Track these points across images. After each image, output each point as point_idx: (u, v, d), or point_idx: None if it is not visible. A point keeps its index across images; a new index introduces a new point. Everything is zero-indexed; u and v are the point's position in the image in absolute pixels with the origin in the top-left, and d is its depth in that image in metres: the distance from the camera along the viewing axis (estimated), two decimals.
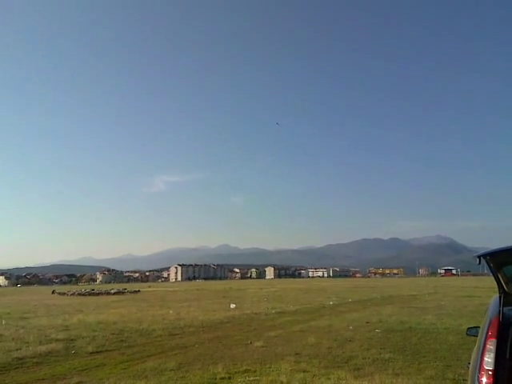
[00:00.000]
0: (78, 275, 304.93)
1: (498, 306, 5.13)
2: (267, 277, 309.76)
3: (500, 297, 5.42)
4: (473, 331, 6.42)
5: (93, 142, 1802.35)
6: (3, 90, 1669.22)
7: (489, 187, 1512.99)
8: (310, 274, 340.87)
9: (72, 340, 17.41)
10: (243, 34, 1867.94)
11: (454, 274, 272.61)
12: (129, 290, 76.89)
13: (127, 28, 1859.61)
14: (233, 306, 32.68)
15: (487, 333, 4.69)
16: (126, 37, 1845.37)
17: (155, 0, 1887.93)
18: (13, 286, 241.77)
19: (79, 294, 69.19)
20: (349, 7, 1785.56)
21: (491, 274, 5.41)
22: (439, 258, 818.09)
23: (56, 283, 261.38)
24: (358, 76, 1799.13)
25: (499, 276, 5.46)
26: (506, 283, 5.61)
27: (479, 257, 5.00)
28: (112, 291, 71.51)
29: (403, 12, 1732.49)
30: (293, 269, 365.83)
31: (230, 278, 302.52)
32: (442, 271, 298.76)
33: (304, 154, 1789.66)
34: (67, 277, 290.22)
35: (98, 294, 67.62)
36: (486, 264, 5.06)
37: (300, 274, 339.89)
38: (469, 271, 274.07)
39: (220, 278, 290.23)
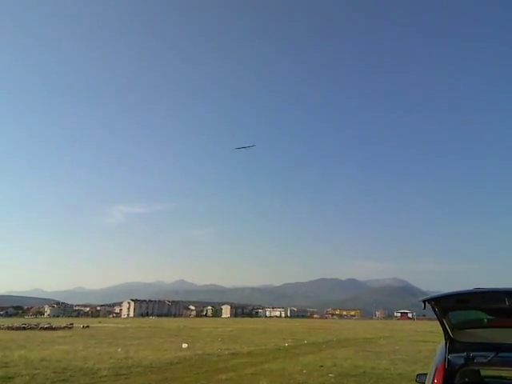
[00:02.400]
0: (25, 307, 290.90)
1: (443, 352, 5.09)
2: (223, 315, 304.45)
3: (446, 343, 5.35)
4: (422, 378, 6.16)
5: (45, 166, 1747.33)
6: None
7: (443, 231, 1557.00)
8: (268, 313, 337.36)
9: (9, 378, 16.31)
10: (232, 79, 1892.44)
11: (409, 318, 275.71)
12: (78, 324, 73.57)
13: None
14: (185, 345, 31.65)
15: (433, 380, 4.69)
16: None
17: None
18: None
19: (17, 328, 65.44)
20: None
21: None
22: (395, 300, 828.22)
23: (1, 315, 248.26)
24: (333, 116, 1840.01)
25: (444, 322, 5.37)
26: (452, 329, 5.50)
27: (424, 301, 4.96)
28: (59, 326, 68.25)
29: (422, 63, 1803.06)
30: (250, 307, 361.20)
31: (185, 316, 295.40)
32: (398, 314, 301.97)
33: (267, 190, 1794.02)
34: (13, 309, 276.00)
35: (47, 329, 64.23)
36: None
37: (257, 313, 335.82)
38: (424, 315, 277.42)
39: (175, 315, 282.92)
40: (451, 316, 5.36)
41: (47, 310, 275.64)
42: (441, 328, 5.48)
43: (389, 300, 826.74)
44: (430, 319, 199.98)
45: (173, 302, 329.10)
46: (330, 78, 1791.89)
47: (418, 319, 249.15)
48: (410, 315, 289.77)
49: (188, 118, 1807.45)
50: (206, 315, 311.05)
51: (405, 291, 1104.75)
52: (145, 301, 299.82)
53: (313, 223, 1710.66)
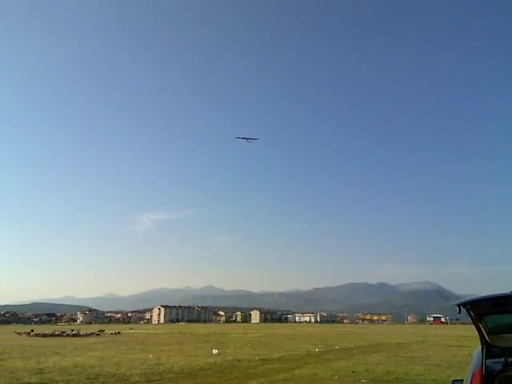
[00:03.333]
0: (59, 315, 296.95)
1: (480, 358, 4.90)
2: (253, 321, 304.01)
3: (482, 348, 5.15)
4: None
5: (76, 178, 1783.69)
6: None
7: (476, 233, 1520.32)
8: (297, 318, 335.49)
9: None
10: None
11: (442, 322, 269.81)
12: (109, 331, 74.52)
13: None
14: (215, 351, 31.70)
15: None
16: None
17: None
18: None
19: (53, 335, 66.77)
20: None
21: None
22: (427, 304, 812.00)
23: (35, 322, 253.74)
24: (356, 122, 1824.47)
25: (480, 326, 5.19)
26: (488, 334, 5.31)
27: (459, 305, 4.70)
28: (85, 333, 69.26)
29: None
30: (279, 313, 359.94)
31: (214, 322, 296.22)
32: (431, 319, 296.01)
33: (294, 197, 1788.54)
34: (47, 316, 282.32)
35: (75, 336, 65.26)
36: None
37: (286, 318, 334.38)
38: (458, 319, 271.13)
39: (204, 321, 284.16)
40: (487, 320, 5.17)
41: (80, 316, 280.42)
42: (476, 332, 5.30)
43: (421, 304, 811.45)
44: (464, 323, 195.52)
45: (202, 307, 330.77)
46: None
47: (451, 323, 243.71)
48: (443, 319, 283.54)
49: (213, 126, 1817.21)
50: (235, 321, 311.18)
51: (437, 295, 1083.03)
52: (174, 307, 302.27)
53: (341, 226, 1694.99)
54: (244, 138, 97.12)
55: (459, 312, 4.76)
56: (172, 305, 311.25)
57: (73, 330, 73.90)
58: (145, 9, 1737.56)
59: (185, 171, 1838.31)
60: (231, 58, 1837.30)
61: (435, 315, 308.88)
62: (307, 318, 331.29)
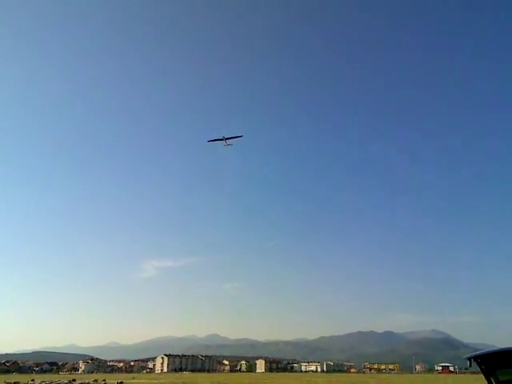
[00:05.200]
0: (60, 363, 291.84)
1: None
2: (258, 370, 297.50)
3: None
4: None
5: (79, 225, 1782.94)
6: None
7: (483, 282, 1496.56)
8: (303, 367, 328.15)
9: None
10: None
11: (451, 372, 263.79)
12: (109, 381, 74.16)
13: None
14: None
15: None
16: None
17: None
18: None
19: None
20: None
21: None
22: (435, 353, 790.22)
23: (36, 371, 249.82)
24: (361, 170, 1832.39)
25: (492, 380, 5.03)
26: None
27: (470, 359, 4.47)
28: (85, 382, 69.16)
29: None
30: (285, 362, 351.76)
31: (219, 371, 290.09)
32: (439, 368, 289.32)
33: (300, 243, 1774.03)
34: (48, 365, 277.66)
35: None
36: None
37: (292, 367, 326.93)
38: (467, 369, 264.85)
39: (208, 371, 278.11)
40: (500, 374, 4.97)
41: (82, 365, 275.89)
42: None
43: (428, 353, 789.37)
44: (473, 373, 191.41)
45: (206, 356, 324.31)
46: None
47: (460, 373, 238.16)
48: (451, 368, 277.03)
49: (212, 174, 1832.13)
50: (239, 370, 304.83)
51: (445, 343, 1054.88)
52: (178, 356, 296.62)
53: (347, 275, 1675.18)
54: (222, 139, 78.09)
55: (470, 366, 4.59)
56: (176, 354, 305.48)
57: (74, 380, 73.48)
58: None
59: (190, 218, 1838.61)
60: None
61: (443, 364, 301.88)
62: (313, 368, 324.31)
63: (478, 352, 4.17)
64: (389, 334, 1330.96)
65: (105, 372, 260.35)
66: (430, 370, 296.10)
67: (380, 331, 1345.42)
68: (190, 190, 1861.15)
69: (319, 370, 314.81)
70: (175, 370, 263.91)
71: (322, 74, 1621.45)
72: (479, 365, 4.63)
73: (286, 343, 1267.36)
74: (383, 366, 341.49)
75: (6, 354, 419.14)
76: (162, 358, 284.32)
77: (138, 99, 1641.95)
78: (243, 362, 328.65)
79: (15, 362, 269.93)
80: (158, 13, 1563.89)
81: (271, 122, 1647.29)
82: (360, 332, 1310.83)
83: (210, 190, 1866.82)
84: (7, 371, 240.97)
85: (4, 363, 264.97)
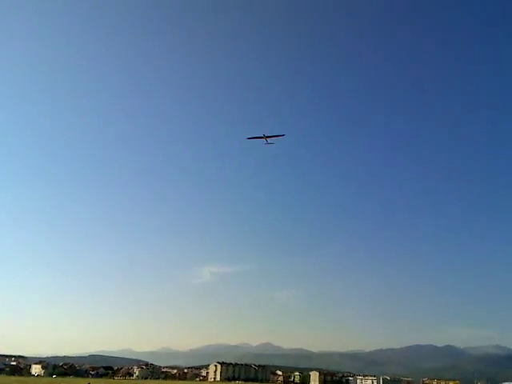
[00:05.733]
0: (115, 368, 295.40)
1: None
2: (311, 382, 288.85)
3: None
4: None
5: (138, 226, 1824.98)
6: None
7: None
8: (358, 381, 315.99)
9: None
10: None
11: None
12: None
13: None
14: None
15: None
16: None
17: None
18: (48, 375, 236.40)
19: None
20: None
21: None
22: (499, 370, 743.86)
23: (92, 375, 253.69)
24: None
25: None
26: None
27: None
28: None
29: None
30: (340, 375, 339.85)
31: (272, 381, 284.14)
32: None
33: (359, 251, 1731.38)
34: (104, 369, 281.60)
35: None
36: None
37: (347, 381, 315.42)
38: None
39: (261, 380, 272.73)
40: None
41: (136, 371, 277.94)
42: None
43: (492, 370, 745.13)
44: None
45: (259, 366, 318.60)
46: None
47: None
48: None
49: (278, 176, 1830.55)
50: (293, 381, 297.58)
51: (509, 360, 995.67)
52: (231, 364, 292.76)
53: (406, 285, 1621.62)
54: (262, 137, 74.78)
55: None
56: (229, 362, 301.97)
57: None
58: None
59: (247, 222, 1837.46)
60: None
61: (508, 383, 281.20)
62: (369, 382, 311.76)
63: None
64: (449, 349, 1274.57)
65: (158, 378, 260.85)
66: None
67: (440, 345, 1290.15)
68: (245, 196, 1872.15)
69: None
70: (228, 379, 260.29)
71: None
72: None
73: (341, 355, 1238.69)
74: (443, 382, 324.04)
75: (64, 356, 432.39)
76: (215, 365, 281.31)
77: (171, 101, 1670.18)
78: (297, 373, 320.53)
79: (72, 366, 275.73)
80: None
81: (313, 122, 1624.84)
82: (419, 345, 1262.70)
83: (264, 196, 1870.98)
84: (65, 374, 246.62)
85: (62, 366, 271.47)
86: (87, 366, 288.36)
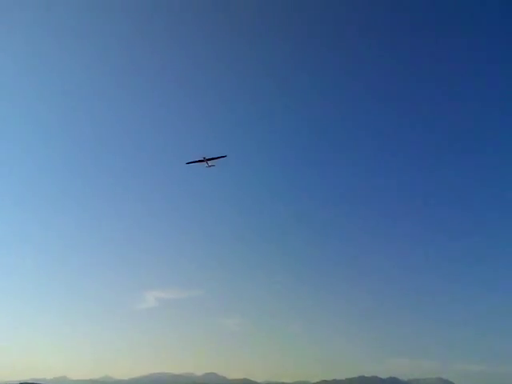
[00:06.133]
0: None
1: None
2: None
3: None
4: None
5: (79, 248, 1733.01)
6: None
7: (490, 329, 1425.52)
8: None
9: None
10: None
11: None
12: None
13: None
14: None
15: None
16: None
17: None
18: None
19: None
20: None
21: None
22: None
23: None
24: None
25: None
26: None
27: None
28: None
29: None
30: None
31: None
32: None
33: (306, 281, 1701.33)
34: None
35: None
36: None
37: None
38: None
39: None
40: None
41: None
42: None
43: None
44: None
45: None
46: None
47: None
48: None
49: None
50: None
51: None
52: None
53: (352, 315, 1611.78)
54: (203, 160, 71.18)
55: None
56: None
57: None
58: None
59: (194, 247, 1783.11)
60: None
61: None
62: None
63: None
64: (393, 381, 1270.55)
65: None
66: None
67: (384, 377, 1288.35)
68: (192, 220, 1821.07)
69: None
70: None
71: None
72: None
73: None
74: None
75: None
76: None
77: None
78: None
79: None
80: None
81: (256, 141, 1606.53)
82: (363, 377, 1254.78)
83: (211, 220, 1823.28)
84: None
85: None
86: None
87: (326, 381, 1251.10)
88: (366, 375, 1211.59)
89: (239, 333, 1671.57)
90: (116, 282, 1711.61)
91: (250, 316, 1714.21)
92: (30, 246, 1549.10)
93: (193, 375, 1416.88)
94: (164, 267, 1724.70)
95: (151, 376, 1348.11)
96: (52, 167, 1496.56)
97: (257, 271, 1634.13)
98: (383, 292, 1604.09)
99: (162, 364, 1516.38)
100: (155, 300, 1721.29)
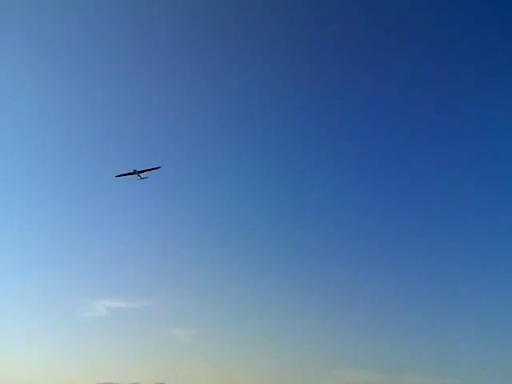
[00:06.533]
0: None
1: None
2: None
3: None
4: None
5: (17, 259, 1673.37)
6: None
7: (435, 341, 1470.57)
8: None
9: None
10: None
11: None
12: None
13: None
14: None
15: None
16: None
17: None
18: None
19: None
20: None
21: None
22: None
23: None
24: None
25: None
26: None
27: None
28: None
29: None
30: None
31: None
32: None
33: (265, 292, 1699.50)
34: None
35: None
36: None
37: None
38: None
39: None
40: None
41: None
42: None
43: None
44: None
45: None
46: None
47: None
48: None
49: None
50: None
51: None
52: None
53: (291, 326, 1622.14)
54: (133, 173, 67.60)
55: None
56: None
57: None
58: None
59: (146, 255, 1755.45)
60: None
61: None
62: None
63: None
64: None
65: None
66: None
67: None
68: (139, 230, 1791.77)
69: None
70: None
71: None
72: None
73: None
74: None
75: None
76: None
77: None
78: None
79: None
80: None
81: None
82: None
83: (161, 227, 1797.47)
84: None
85: None
86: None
87: None
88: None
89: (192, 344, 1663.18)
90: (62, 288, 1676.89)
91: (203, 327, 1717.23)
92: None
93: None
94: (114, 275, 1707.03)
95: None
96: None
97: (211, 281, 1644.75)
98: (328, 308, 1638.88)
99: (109, 374, 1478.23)
100: (105, 309, 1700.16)
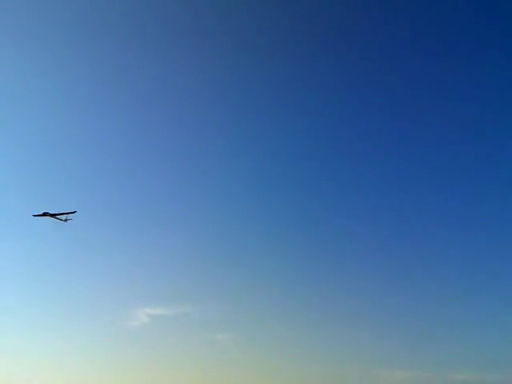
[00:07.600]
0: None
1: None
2: None
3: None
4: None
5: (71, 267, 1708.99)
6: None
7: (481, 338, 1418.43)
8: None
9: None
10: None
11: None
12: None
13: None
14: None
15: None
16: None
17: None
18: None
19: None
20: None
21: None
22: None
23: None
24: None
25: None
26: None
27: None
28: None
29: None
30: None
31: None
32: None
33: (297, 295, 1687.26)
34: None
35: None
36: None
37: None
38: None
39: None
40: None
41: None
42: None
43: None
44: None
45: None
46: None
47: None
48: None
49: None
50: None
51: None
52: None
53: (337, 327, 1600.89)
54: (46, 215, 59.85)
55: None
56: None
57: None
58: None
59: (189, 262, 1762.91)
60: None
61: None
62: None
63: None
64: None
65: None
66: None
67: None
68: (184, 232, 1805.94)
69: None
70: None
71: None
72: None
73: None
74: None
75: None
76: None
77: None
78: None
79: None
80: None
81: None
82: None
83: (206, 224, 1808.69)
84: None
85: None
86: None
87: None
88: None
89: (231, 348, 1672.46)
90: (105, 299, 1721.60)
91: (242, 331, 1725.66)
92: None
93: None
94: (155, 284, 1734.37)
95: None
96: None
97: (244, 286, 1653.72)
98: (362, 300, 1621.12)
99: (152, 381, 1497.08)
100: (146, 316, 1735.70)
